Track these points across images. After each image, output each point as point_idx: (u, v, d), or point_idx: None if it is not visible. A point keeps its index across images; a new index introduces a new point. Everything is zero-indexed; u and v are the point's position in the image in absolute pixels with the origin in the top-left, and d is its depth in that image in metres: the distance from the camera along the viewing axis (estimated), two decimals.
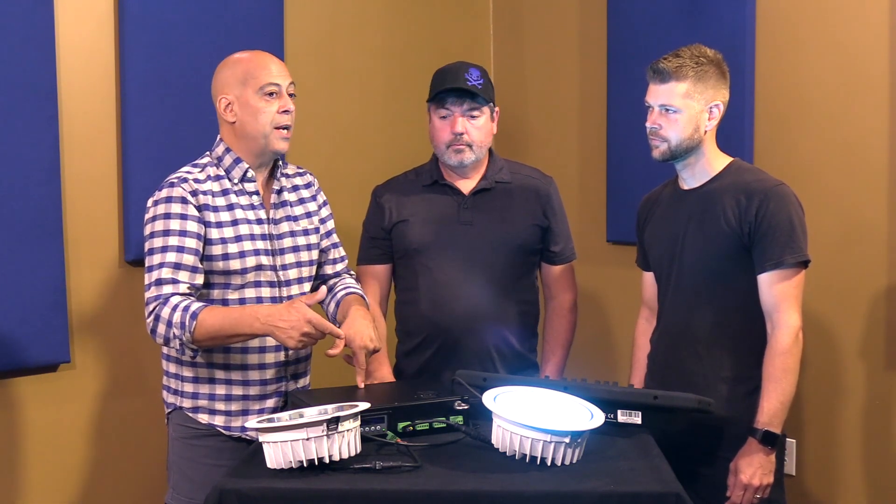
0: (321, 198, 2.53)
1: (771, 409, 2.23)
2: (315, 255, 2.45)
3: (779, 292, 2.26)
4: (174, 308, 2.16)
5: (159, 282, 2.20)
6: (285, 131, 2.31)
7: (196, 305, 2.17)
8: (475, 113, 2.59)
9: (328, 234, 2.53)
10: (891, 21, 2.78)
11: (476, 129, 2.59)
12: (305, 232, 2.42)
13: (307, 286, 2.43)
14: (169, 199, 2.26)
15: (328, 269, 2.54)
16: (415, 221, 2.65)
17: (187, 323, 2.14)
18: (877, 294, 2.85)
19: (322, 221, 2.51)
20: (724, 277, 2.33)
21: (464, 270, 2.60)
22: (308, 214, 2.45)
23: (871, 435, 2.89)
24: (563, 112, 3.75)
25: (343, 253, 2.58)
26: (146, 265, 2.25)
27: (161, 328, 2.18)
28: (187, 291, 2.21)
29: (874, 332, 2.86)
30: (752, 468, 2.23)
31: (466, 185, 2.66)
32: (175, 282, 2.20)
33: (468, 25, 3.92)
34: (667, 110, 2.32)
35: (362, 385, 2.27)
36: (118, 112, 2.94)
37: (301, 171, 2.52)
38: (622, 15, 3.46)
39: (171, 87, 2.98)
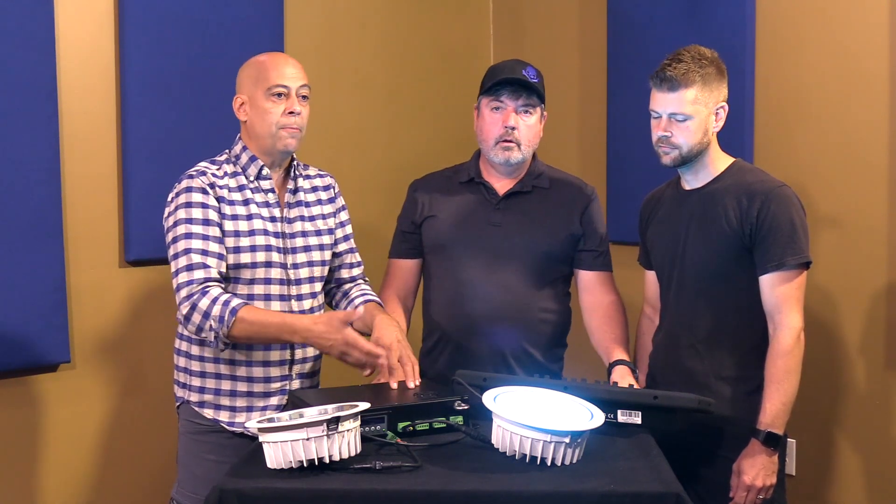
0: (340, 201, 2.54)
1: (773, 410, 2.23)
2: (328, 255, 2.46)
3: (780, 293, 2.26)
4: (214, 300, 2.19)
5: (190, 267, 2.22)
6: (293, 130, 2.32)
7: (236, 301, 2.20)
8: (528, 110, 2.51)
9: (346, 237, 2.54)
10: (891, 21, 2.78)
11: (527, 126, 2.51)
12: (318, 233, 2.43)
13: (318, 286, 2.44)
14: (189, 189, 2.29)
15: (344, 274, 2.55)
16: (443, 217, 2.59)
17: (226, 318, 2.17)
18: (877, 294, 2.85)
19: (340, 225, 2.52)
20: (726, 277, 2.33)
21: (486, 272, 2.53)
22: (324, 216, 2.46)
23: (871, 435, 2.88)
24: (563, 112, 3.74)
25: (359, 259, 2.59)
26: (171, 254, 2.27)
27: (197, 317, 2.20)
28: (217, 277, 2.24)
29: (874, 331, 2.86)
30: (755, 469, 2.24)
31: (502, 186, 2.59)
32: (206, 266, 2.23)
33: (468, 25, 3.92)
34: (677, 118, 2.30)
35: (395, 385, 2.27)
36: (118, 112, 2.94)
37: (322, 173, 2.53)
38: (622, 15, 3.46)
39: (171, 87, 2.98)
